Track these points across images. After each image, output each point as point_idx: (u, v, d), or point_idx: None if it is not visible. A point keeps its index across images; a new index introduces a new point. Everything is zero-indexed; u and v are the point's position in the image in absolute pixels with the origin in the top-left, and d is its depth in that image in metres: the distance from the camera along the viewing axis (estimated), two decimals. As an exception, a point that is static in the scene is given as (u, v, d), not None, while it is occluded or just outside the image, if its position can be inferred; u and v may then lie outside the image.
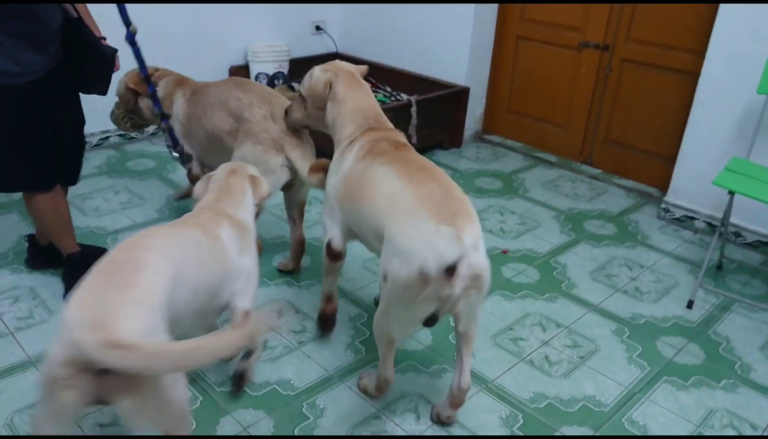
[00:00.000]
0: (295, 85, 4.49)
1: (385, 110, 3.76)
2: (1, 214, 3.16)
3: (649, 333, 2.59)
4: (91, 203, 3.35)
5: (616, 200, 3.78)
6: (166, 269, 1.52)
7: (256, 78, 4.43)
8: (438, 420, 2.06)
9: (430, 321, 1.70)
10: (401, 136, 2.21)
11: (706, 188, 3.17)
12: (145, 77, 2.79)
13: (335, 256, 2.21)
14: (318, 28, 4.88)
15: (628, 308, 2.75)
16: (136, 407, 1.34)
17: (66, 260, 2.54)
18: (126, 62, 2.65)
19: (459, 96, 4.26)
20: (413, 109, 3.90)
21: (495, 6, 4.22)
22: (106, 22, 2.55)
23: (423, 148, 4.17)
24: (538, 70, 4.27)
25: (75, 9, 2.34)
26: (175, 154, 2.95)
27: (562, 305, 2.76)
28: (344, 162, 2.13)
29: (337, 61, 2.38)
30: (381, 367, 2.02)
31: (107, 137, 4.08)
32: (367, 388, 2.15)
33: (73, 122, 2.47)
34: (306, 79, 2.34)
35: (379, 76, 4.64)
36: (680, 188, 3.49)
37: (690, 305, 2.76)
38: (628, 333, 2.58)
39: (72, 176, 2.57)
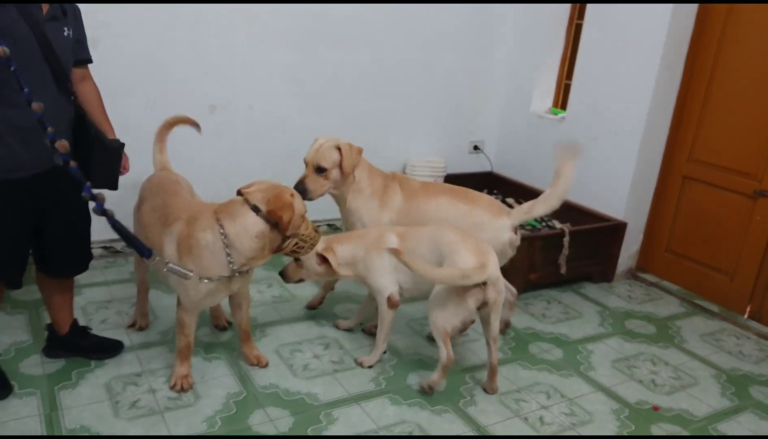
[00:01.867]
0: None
1: (535, 238, 3.76)
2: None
3: None
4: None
5: (789, 367, 3.37)
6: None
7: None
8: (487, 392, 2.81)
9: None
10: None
11: None
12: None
13: (395, 305, 2.87)
14: (476, 147, 5.02)
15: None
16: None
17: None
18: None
19: (615, 230, 4.11)
20: (566, 238, 3.81)
21: (662, 144, 4.11)
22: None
23: (571, 280, 4.04)
24: (704, 212, 4.04)
25: (79, 106, 2.43)
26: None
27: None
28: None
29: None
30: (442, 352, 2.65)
31: None
32: (430, 384, 2.73)
33: (68, 220, 2.47)
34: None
35: (532, 199, 4.62)
36: None
37: None
38: None
39: (66, 269, 2.62)
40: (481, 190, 4.86)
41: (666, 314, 3.86)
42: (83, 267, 2.68)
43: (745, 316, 3.86)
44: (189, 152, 3.81)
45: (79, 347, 2.78)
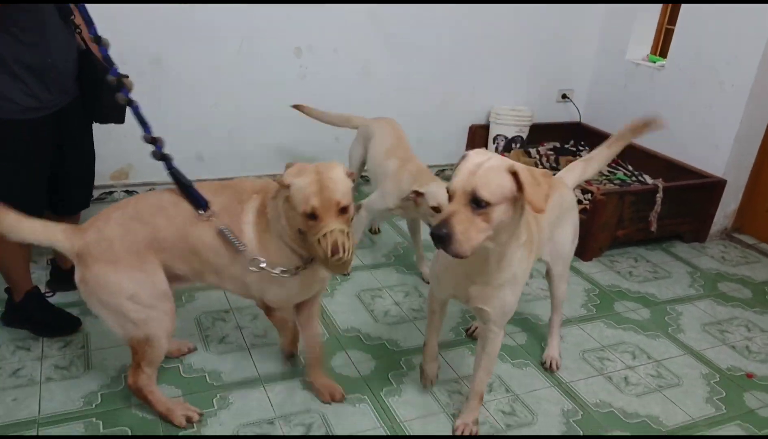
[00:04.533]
0: (531, 150, 4.46)
1: (626, 193, 3.60)
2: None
3: None
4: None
5: None
6: None
7: (494, 140, 4.47)
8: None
9: None
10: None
11: None
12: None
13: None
14: (564, 96, 4.81)
15: None
16: None
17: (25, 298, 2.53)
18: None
19: (713, 188, 3.87)
20: (659, 195, 3.62)
21: (773, 95, 3.80)
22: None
23: (661, 238, 3.87)
24: (815, 171, 3.73)
25: (84, 40, 2.34)
26: None
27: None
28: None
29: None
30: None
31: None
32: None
33: (81, 156, 2.51)
34: None
35: (621, 152, 4.41)
36: None
37: None
38: None
39: (73, 206, 2.62)
40: (567, 141, 4.72)
41: (763, 277, 3.64)
42: (88, 203, 2.69)
43: None
44: (276, 95, 3.85)
45: (31, 318, 2.57)
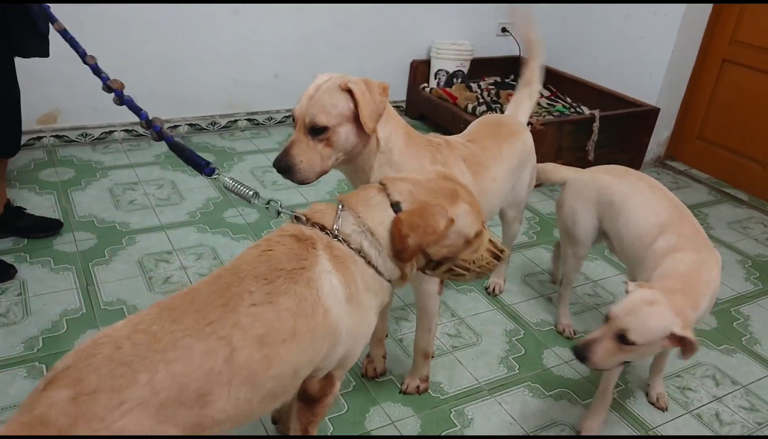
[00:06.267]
0: (472, 84, 4.47)
1: (564, 123, 3.67)
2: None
3: None
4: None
5: (816, 254, 3.35)
6: None
7: (436, 75, 4.45)
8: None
9: None
10: None
11: None
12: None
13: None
14: (504, 30, 4.80)
15: (822, 379, 2.42)
16: None
17: None
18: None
19: (647, 116, 3.98)
20: (596, 124, 3.71)
21: (703, 25, 3.89)
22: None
23: (598, 166, 3.97)
24: (741, 97, 3.88)
25: None
26: None
27: (740, 360, 2.50)
28: None
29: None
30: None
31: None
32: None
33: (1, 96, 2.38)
34: None
35: (560, 84, 4.48)
36: None
37: None
38: (820, 408, 2.27)
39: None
40: (508, 76, 4.74)
41: (694, 201, 3.81)
42: (14, 150, 2.57)
43: (775, 204, 3.81)
44: (210, 31, 3.71)
45: (16, 226, 2.74)
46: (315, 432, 1.65)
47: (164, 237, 2.88)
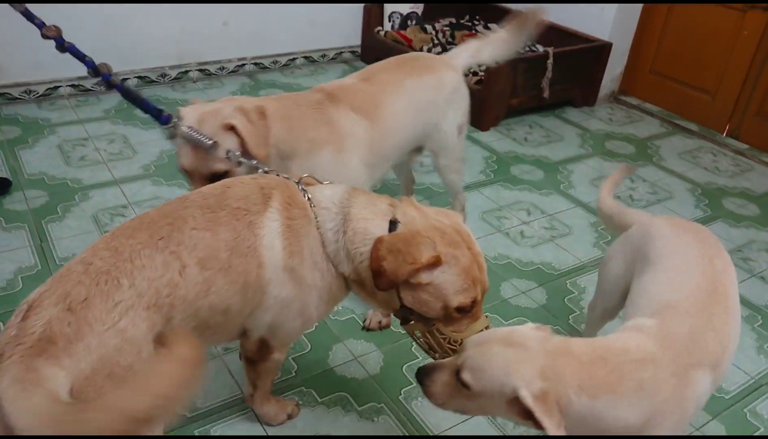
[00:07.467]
0: (427, 26, 4.42)
1: (518, 61, 3.66)
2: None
3: (785, 325, 2.39)
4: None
5: (762, 180, 3.47)
6: None
7: (390, 17, 4.39)
8: None
9: None
10: None
11: None
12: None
13: None
14: (457, -31, 4.73)
15: (765, 295, 2.55)
16: None
17: None
18: None
19: (600, 52, 4.01)
20: (549, 61, 3.72)
21: (652, -44, 3.90)
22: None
23: (553, 104, 4.01)
24: (691, 29, 3.93)
25: None
26: None
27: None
28: None
29: None
30: None
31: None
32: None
33: None
34: None
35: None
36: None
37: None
38: (761, 321, 2.40)
39: None
40: (463, 17, 4.69)
41: (646, 134, 3.89)
42: None
43: (724, 134, 3.91)
44: None
45: None
46: (265, 387, 1.70)
47: (119, 191, 2.83)
